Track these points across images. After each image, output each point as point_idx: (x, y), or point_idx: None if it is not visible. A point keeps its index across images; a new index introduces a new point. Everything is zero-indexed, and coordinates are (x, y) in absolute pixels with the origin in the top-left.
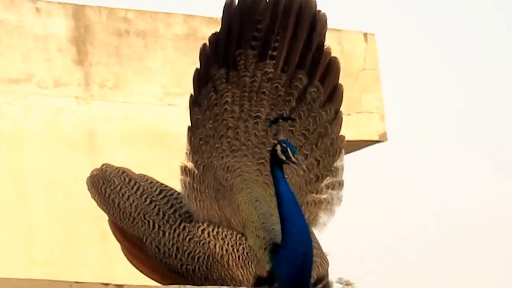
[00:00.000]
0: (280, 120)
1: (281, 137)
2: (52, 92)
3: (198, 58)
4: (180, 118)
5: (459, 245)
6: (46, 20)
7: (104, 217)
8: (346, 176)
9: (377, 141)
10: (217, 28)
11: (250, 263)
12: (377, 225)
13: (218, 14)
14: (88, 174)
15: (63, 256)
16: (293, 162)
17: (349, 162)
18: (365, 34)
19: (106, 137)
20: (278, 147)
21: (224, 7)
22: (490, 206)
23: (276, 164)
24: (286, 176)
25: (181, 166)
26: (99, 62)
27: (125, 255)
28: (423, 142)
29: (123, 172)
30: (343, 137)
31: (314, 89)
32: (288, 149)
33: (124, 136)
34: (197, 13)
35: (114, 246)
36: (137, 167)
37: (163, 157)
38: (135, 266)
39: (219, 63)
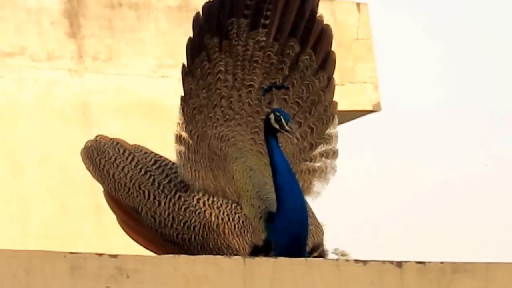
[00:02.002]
0: (274, 89)
1: (275, 106)
2: (45, 65)
3: (191, 27)
4: (173, 90)
5: (452, 214)
6: None
7: (99, 189)
8: (340, 146)
9: (371, 111)
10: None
11: (246, 232)
12: (371, 196)
13: None
14: (83, 147)
15: (58, 229)
16: (287, 131)
17: (343, 133)
18: (358, 4)
19: (100, 109)
20: (272, 116)
21: None
22: (483, 174)
23: (270, 132)
24: (280, 144)
25: (176, 135)
26: (92, 34)
27: (121, 226)
28: (417, 111)
29: (118, 143)
30: (336, 103)
31: (307, 56)
32: (282, 117)
33: (117, 108)
34: None
35: (109, 219)
36: (131, 139)
37: (157, 128)
38: (130, 237)
39: (212, 32)
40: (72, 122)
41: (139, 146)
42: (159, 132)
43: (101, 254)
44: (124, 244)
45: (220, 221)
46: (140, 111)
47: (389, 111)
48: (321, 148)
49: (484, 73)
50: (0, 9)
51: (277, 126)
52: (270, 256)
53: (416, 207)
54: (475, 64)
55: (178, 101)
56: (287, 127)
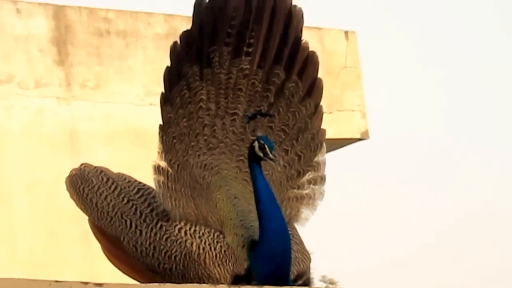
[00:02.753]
0: (258, 116)
1: (260, 133)
2: (33, 93)
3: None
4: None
5: (445, 241)
6: (26, 20)
7: (86, 217)
8: (328, 174)
9: (359, 139)
10: None
11: (227, 261)
12: (359, 223)
13: None
14: (67, 175)
15: (45, 256)
16: (271, 159)
17: (331, 160)
18: (346, 32)
19: (88, 137)
20: (256, 144)
21: (195, 3)
22: (477, 204)
23: (254, 160)
24: (266, 172)
25: (154, 165)
26: (80, 62)
27: (105, 254)
28: (404, 140)
29: (101, 171)
30: (324, 131)
31: (293, 84)
32: (266, 145)
33: (105, 136)
34: (177, 13)
35: (96, 246)
36: (119, 167)
37: (145, 156)
38: (115, 265)
39: (191, 60)
40: (60, 150)
41: (123, 174)
42: (147, 159)
43: (86, 283)
44: (112, 272)
45: (201, 250)
46: (128, 139)
47: (377, 139)
48: (309, 175)
49: (473, 99)
50: None
51: (261, 154)
52: (252, 285)
53: (405, 235)
54: (464, 91)
55: None
56: (271, 155)
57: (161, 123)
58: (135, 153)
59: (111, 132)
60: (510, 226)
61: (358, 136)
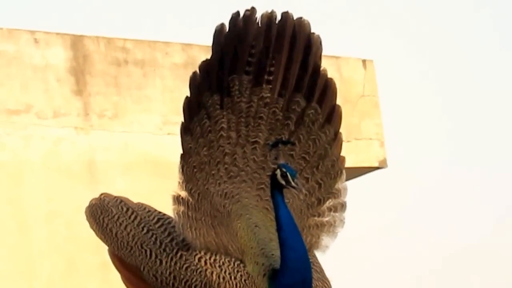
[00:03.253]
0: (280, 145)
1: (281, 161)
2: (51, 123)
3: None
4: (179, 147)
5: (458, 277)
6: (44, 50)
7: (105, 247)
8: (347, 202)
9: (377, 168)
10: None
11: None
12: (377, 252)
13: None
14: (87, 205)
15: (64, 286)
16: (293, 187)
17: (349, 189)
18: (364, 61)
19: (106, 167)
20: (278, 172)
21: (215, 32)
22: (488, 240)
23: (276, 188)
24: (286, 200)
25: (174, 196)
26: (98, 92)
27: (125, 284)
28: (423, 168)
29: (121, 201)
30: (344, 158)
31: (312, 111)
32: (288, 173)
33: (123, 166)
34: (195, 42)
35: (115, 276)
36: (137, 197)
37: (163, 186)
38: None
39: (211, 89)
40: (78, 180)
41: (142, 204)
42: (165, 189)
43: None
44: None
45: (221, 279)
46: (146, 168)
47: (396, 168)
48: (329, 203)
49: (492, 130)
50: (6, 66)
51: (283, 182)
52: None
53: (421, 265)
54: (483, 121)
55: None
56: (293, 183)
57: (182, 152)
58: (153, 183)
59: (129, 162)
60: None
61: (376, 165)
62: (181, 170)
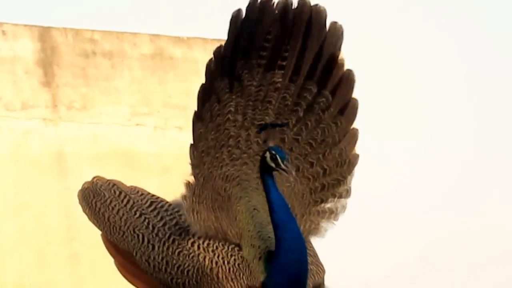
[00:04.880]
0: (270, 127)
1: (271, 144)
2: (19, 115)
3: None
4: (148, 138)
5: (428, 275)
6: (12, 42)
7: (75, 238)
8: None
9: None
10: (183, 47)
11: (241, 274)
12: (342, 243)
13: (184, 33)
14: (58, 196)
15: (34, 278)
16: (283, 169)
17: None
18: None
19: (75, 158)
20: (267, 154)
21: (232, 17)
22: (461, 239)
23: (266, 171)
24: (288, 184)
25: (185, 183)
26: (66, 83)
27: (119, 269)
28: (392, 156)
29: (114, 184)
30: (357, 155)
31: (323, 99)
32: (278, 156)
33: (92, 157)
34: (163, 33)
35: (85, 268)
36: None
37: (132, 177)
38: (128, 280)
39: (223, 74)
40: (47, 171)
41: (135, 187)
42: (134, 180)
43: None
44: None
45: (214, 265)
46: (115, 160)
47: (364, 159)
48: (333, 190)
49: (457, 113)
50: None
51: (273, 165)
52: None
53: (391, 257)
54: (452, 104)
55: (153, 149)
56: (283, 166)
57: (192, 141)
58: (122, 174)
59: (98, 153)
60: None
61: None
62: (191, 155)
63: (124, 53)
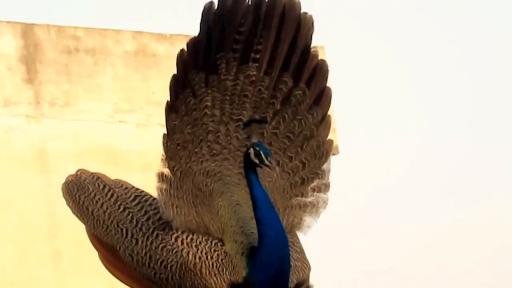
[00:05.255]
0: (254, 123)
1: (255, 140)
2: (2, 111)
3: (175, 63)
4: (131, 135)
5: (412, 264)
6: None
7: (57, 235)
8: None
9: None
10: (166, 44)
11: (224, 270)
12: (329, 241)
13: (167, 30)
14: (40, 193)
15: (16, 275)
16: (266, 165)
17: None
18: (314, 47)
19: (58, 155)
20: (251, 150)
21: (203, 10)
22: (446, 224)
23: (250, 167)
24: (269, 179)
25: (157, 173)
26: (49, 80)
27: (103, 262)
28: (375, 155)
29: (98, 178)
30: (332, 141)
31: (300, 91)
32: (261, 152)
33: (75, 154)
34: (146, 30)
35: (67, 264)
36: None
37: (115, 173)
38: (112, 274)
39: (197, 67)
40: (30, 168)
41: (120, 181)
42: (117, 177)
43: None
44: None
45: (197, 260)
46: (98, 156)
47: (347, 153)
48: (313, 183)
49: (444, 117)
50: None
51: (256, 161)
52: None
53: (373, 252)
54: (435, 106)
55: (135, 146)
56: (266, 162)
57: (166, 132)
58: (105, 170)
59: (81, 150)
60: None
61: None
62: (164, 147)
63: (107, 50)
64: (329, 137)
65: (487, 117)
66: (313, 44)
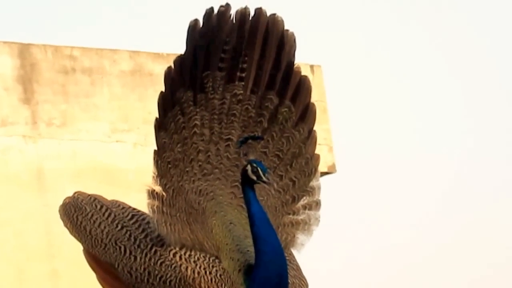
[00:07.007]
0: (250, 141)
1: (252, 157)
2: None
3: (163, 80)
4: (128, 154)
5: (409, 283)
6: None
7: (55, 255)
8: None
9: (326, 173)
10: (163, 63)
11: (223, 285)
12: (325, 259)
13: (164, 49)
14: (37, 212)
15: None
16: (264, 182)
17: None
18: (312, 66)
19: (55, 175)
20: (249, 167)
21: (188, 28)
22: (440, 241)
23: (247, 184)
24: (261, 198)
25: (148, 190)
26: (46, 100)
27: (100, 283)
28: (372, 174)
29: (95, 199)
30: (318, 156)
31: (286, 109)
32: (259, 168)
33: (72, 174)
34: (142, 49)
35: (65, 284)
36: None
37: (112, 193)
38: None
39: (185, 85)
40: (27, 188)
41: (116, 201)
42: (114, 197)
43: None
44: None
45: (196, 275)
46: (95, 176)
47: (345, 173)
48: (304, 201)
49: (440, 136)
50: None
51: (254, 178)
52: None
53: (369, 271)
54: (431, 126)
55: (133, 165)
56: (264, 178)
57: (156, 148)
58: (102, 190)
59: (78, 170)
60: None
61: (325, 170)
62: (155, 164)
63: (103, 69)
64: (327, 156)
65: (487, 133)
66: (310, 62)
